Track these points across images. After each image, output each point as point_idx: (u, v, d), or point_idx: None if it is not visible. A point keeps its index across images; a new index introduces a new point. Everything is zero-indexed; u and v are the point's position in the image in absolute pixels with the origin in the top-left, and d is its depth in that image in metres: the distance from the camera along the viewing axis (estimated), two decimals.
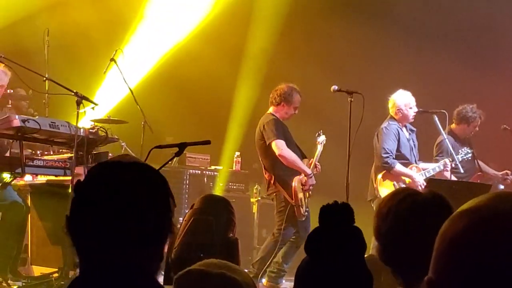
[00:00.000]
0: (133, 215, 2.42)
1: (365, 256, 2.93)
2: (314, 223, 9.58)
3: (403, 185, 10.06)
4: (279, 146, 9.75)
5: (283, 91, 9.99)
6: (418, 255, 2.94)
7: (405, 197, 3.24)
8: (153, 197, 2.49)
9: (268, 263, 9.83)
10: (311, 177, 9.76)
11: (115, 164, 2.58)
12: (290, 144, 9.96)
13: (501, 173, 11.34)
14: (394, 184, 10.09)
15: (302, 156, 10.09)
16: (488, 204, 1.62)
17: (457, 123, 11.18)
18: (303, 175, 9.76)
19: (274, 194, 9.90)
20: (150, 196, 2.48)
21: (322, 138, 10.12)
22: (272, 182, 9.89)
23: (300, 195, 9.69)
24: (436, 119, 10.29)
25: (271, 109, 10.09)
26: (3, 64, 8.87)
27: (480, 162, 11.28)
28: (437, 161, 10.57)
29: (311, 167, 10.00)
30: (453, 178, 10.35)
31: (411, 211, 3.17)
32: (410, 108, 10.38)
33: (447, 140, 10.43)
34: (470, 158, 10.62)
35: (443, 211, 3.10)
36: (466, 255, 1.58)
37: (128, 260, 2.43)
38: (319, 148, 10.05)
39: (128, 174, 2.50)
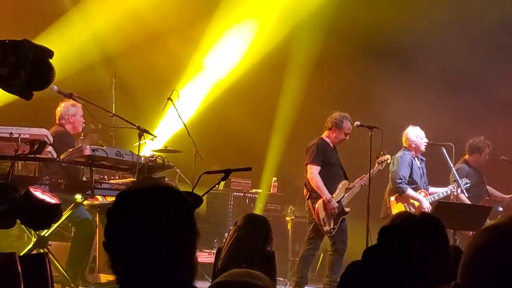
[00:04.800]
0: (152, 235, 2.42)
1: None
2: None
3: (412, 208, 10.06)
4: (310, 170, 9.72)
5: (335, 118, 9.92)
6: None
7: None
8: (169, 217, 2.47)
9: (296, 269, 9.79)
10: (329, 202, 9.63)
11: (136, 192, 2.57)
12: (334, 166, 9.89)
13: (508, 196, 11.29)
14: (405, 206, 10.07)
15: (344, 178, 10.00)
16: (507, 222, 1.69)
17: (470, 153, 11.16)
18: (326, 198, 9.66)
19: (308, 208, 9.85)
20: (166, 217, 2.46)
21: (382, 159, 9.98)
22: (307, 197, 9.85)
23: (322, 215, 9.59)
24: (444, 151, 10.24)
25: (324, 134, 10.00)
26: (72, 101, 8.95)
27: (489, 187, 11.22)
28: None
29: (356, 181, 9.93)
30: (467, 201, 10.31)
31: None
32: (421, 139, 10.37)
33: (454, 170, 10.38)
34: (468, 187, 10.52)
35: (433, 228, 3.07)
36: (487, 265, 1.64)
37: (158, 269, 2.42)
38: (376, 167, 9.88)
39: (146, 200, 2.49)
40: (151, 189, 2.55)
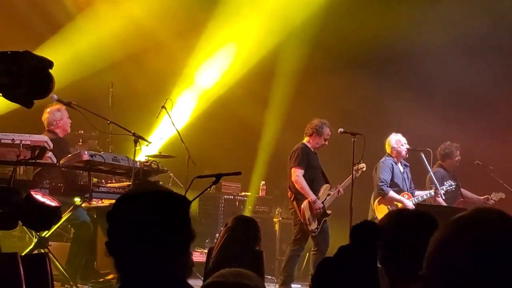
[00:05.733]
0: (150, 236, 2.44)
1: None
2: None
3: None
4: (295, 173, 9.74)
5: (315, 125, 9.94)
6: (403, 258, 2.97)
7: (396, 213, 3.25)
8: (166, 219, 2.50)
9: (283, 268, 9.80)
10: (315, 202, 9.67)
11: (135, 195, 2.60)
12: (316, 170, 9.92)
13: (482, 197, 11.31)
14: (388, 208, 10.08)
15: (325, 182, 10.02)
16: (468, 215, 1.73)
17: (442, 160, 11.19)
18: (311, 199, 9.69)
19: (293, 209, 9.87)
20: (162, 219, 2.49)
21: (358, 167, 9.94)
22: (292, 199, 9.87)
23: (308, 214, 9.62)
24: (423, 156, 10.29)
25: (305, 139, 10.03)
26: (59, 105, 8.96)
27: (463, 190, 11.25)
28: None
29: (335, 189, 9.97)
30: (444, 203, 10.35)
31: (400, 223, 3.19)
32: (402, 145, 10.40)
33: (432, 173, 10.42)
34: (454, 189, 10.60)
35: (426, 223, 3.12)
36: (449, 254, 1.66)
37: (157, 269, 2.44)
38: (353, 174, 9.80)
39: (145, 203, 2.52)
40: (150, 192, 2.58)
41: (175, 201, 2.58)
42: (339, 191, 9.95)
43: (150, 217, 2.48)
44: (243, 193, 12.73)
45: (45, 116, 9.24)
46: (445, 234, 1.70)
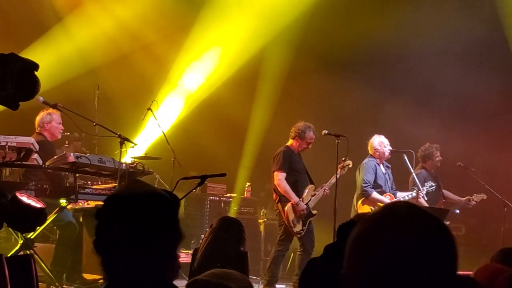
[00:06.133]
0: (138, 235, 2.40)
1: None
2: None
3: None
4: (277, 177, 9.71)
5: (299, 128, 9.89)
6: None
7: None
8: (154, 219, 2.45)
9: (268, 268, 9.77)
10: (297, 204, 9.62)
11: (124, 195, 2.55)
12: (300, 172, 9.88)
13: (464, 199, 11.31)
14: (371, 209, 10.06)
15: (310, 183, 9.98)
16: (379, 211, 1.76)
17: (423, 161, 11.19)
18: (294, 201, 9.65)
19: (277, 211, 9.84)
20: (151, 219, 2.44)
21: (344, 164, 9.91)
22: (276, 201, 9.84)
23: (292, 217, 9.58)
24: (405, 157, 10.28)
25: (289, 142, 9.99)
26: (54, 110, 8.91)
27: (445, 191, 11.26)
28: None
29: (317, 189, 9.94)
30: (426, 204, 10.34)
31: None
32: (385, 146, 10.40)
33: (414, 174, 10.42)
34: (434, 189, 10.59)
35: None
36: (361, 251, 1.69)
37: (143, 269, 2.40)
38: (339, 172, 9.79)
39: (134, 203, 2.47)
40: (139, 192, 2.53)
41: (164, 201, 2.53)
42: (324, 190, 9.91)
43: (139, 216, 2.43)
44: (228, 194, 12.71)
45: (36, 118, 9.20)
46: (358, 231, 1.72)
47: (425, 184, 10.52)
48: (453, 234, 1.75)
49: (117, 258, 2.43)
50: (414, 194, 10.33)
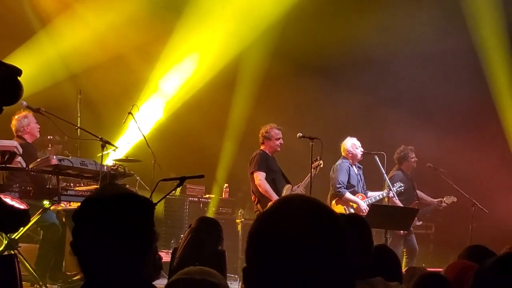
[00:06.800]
0: (113, 235, 2.40)
1: None
2: None
3: (352, 209, 10.11)
4: (257, 177, 9.71)
5: (262, 132, 9.96)
6: None
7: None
8: (129, 221, 2.45)
9: None
10: None
11: (99, 198, 2.54)
12: (276, 173, 9.90)
13: (436, 200, 11.37)
14: (344, 208, 10.12)
15: (287, 183, 9.99)
16: (273, 206, 1.75)
17: (399, 163, 11.21)
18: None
19: (258, 212, 9.83)
20: (126, 221, 2.44)
21: (316, 164, 9.86)
22: (255, 203, 9.83)
23: None
24: (377, 158, 10.31)
25: (261, 147, 10.03)
26: (26, 112, 8.88)
27: (419, 192, 11.30)
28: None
29: (294, 188, 9.94)
30: (399, 203, 10.38)
31: None
32: (357, 148, 10.43)
33: (385, 175, 10.44)
34: (403, 190, 10.62)
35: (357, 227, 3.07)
36: (257, 244, 1.69)
37: (118, 268, 2.40)
38: (313, 172, 9.78)
39: (108, 205, 2.47)
40: (114, 195, 2.53)
41: (137, 202, 2.53)
42: (301, 191, 9.93)
43: (113, 217, 2.43)
44: (207, 195, 12.70)
45: (13, 123, 9.16)
46: (254, 225, 1.72)
47: (395, 184, 10.56)
48: (344, 225, 1.73)
49: (93, 258, 2.43)
50: (384, 194, 10.38)
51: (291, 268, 1.62)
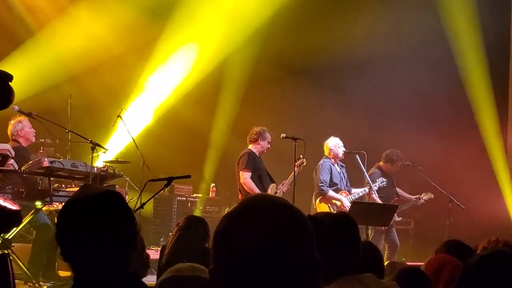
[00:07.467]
0: (97, 236, 2.39)
1: None
2: None
3: (336, 207, 10.11)
4: (243, 176, 9.71)
5: (257, 132, 9.93)
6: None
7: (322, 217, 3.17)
8: (108, 221, 2.43)
9: None
10: None
11: (79, 198, 2.53)
12: (262, 172, 9.89)
13: (414, 197, 11.39)
14: (328, 206, 10.12)
15: (271, 182, 9.99)
16: (237, 206, 1.71)
17: (384, 162, 11.19)
18: None
19: None
20: (105, 220, 2.42)
21: (299, 162, 9.88)
22: None
23: None
24: (358, 157, 10.32)
25: (249, 146, 9.99)
26: (22, 117, 8.85)
27: (398, 189, 11.30)
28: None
29: (278, 186, 9.96)
30: (379, 200, 10.40)
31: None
32: (339, 148, 10.43)
33: (366, 173, 10.43)
34: (385, 185, 10.63)
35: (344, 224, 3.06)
36: (222, 245, 1.65)
37: (108, 268, 2.38)
38: (296, 170, 9.79)
39: (85, 203, 2.46)
40: (93, 193, 2.51)
41: (117, 197, 2.51)
42: (285, 189, 9.94)
43: (94, 214, 2.41)
44: (194, 195, 12.73)
45: (9, 128, 9.12)
46: (219, 226, 1.69)
47: (377, 180, 10.58)
48: (308, 224, 1.69)
49: (77, 256, 2.41)
50: (366, 190, 10.39)
51: (252, 268, 1.58)
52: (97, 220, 2.40)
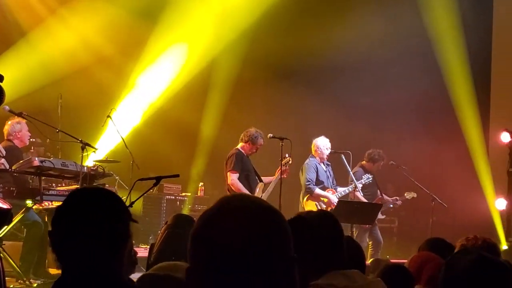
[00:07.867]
0: (91, 231, 2.38)
1: None
2: None
3: (323, 204, 10.13)
4: (231, 177, 9.71)
5: (251, 134, 9.89)
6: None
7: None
8: (106, 216, 2.43)
9: None
10: None
11: (74, 193, 2.53)
12: (250, 172, 9.89)
13: (391, 198, 11.43)
14: (316, 204, 10.14)
15: (259, 181, 10.00)
16: (213, 206, 1.70)
17: (366, 161, 11.22)
18: None
19: None
20: (103, 216, 2.42)
21: (285, 160, 9.87)
22: None
23: None
24: (343, 157, 10.35)
25: (239, 145, 9.97)
26: (20, 118, 8.82)
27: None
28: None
29: (269, 178, 10.00)
30: (363, 198, 10.42)
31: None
32: (327, 148, 10.45)
33: (351, 172, 10.47)
34: (371, 181, 10.67)
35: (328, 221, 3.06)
36: (198, 245, 1.65)
37: (98, 263, 2.38)
38: (281, 170, 9.78)
39: (85, 201, 2.47)
40: (92, 191, 2.52)
41: (114, 199, 2.51)
42: (272, 186, 9.96)
43: (90, 212, 2.41)
44: (183, 194, 12.72)
45: (6, 128, 9.10)
46: (194, 226, 1.68)
47: (363, 177, 10.62)
48: (284, 221, 1.68)
49: (69, 251, 2.41)
50: (351, 189, 10.43)
51: (234, 267, 1.57)
52: (92, 215, 2.40)
